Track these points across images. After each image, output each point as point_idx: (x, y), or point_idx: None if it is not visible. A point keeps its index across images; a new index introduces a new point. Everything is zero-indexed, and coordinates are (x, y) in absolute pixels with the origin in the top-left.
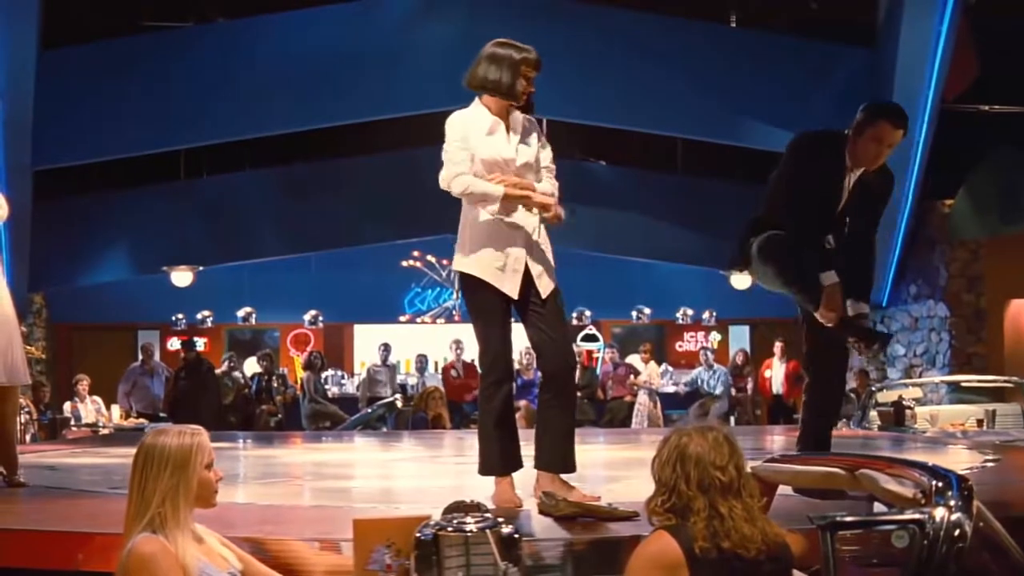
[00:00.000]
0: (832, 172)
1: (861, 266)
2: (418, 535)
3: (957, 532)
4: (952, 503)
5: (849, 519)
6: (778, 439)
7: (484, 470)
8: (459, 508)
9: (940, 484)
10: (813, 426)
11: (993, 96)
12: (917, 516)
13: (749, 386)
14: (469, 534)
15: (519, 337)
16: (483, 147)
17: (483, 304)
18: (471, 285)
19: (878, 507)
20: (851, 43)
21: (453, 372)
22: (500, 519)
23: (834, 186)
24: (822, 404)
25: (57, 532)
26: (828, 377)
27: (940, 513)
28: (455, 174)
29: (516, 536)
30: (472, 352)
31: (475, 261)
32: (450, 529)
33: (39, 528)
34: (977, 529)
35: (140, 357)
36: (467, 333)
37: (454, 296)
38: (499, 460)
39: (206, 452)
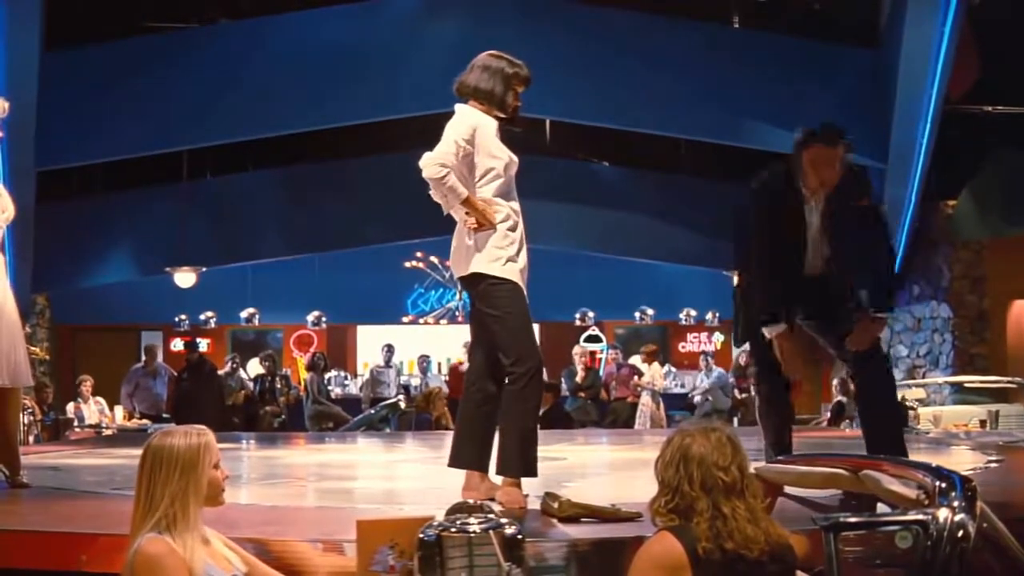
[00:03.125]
0: (785, 207)
1: (871, 271)
2: (421, 536)
3: (961, 533)
4: (956, 504)
5: (853, 520)
6: None
7: (525, 471)
8: (462, 509)
9: (944, 485)
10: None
11: (996, 97)
12: (921, 517)
13: (752, 386)
14: (472, 535)
15: None
16: (497, 148)
17: (522, 307)
18: (507, 289)
19: (882, 508)
20: (854, 44)
21: (463, 370)
22: (504, 520)
23: (792, 219)
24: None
25: (60, 533)
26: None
27: (944, 514)
28: (441, 162)
29: (519, 537)
30: None
31: (508, 267)
32: (453, 530)
33: (42, 529)
34: (980, 530)
35: (143, 358)
36: None
37: (457, 297)
38: (533, 461)
39: (213, 452)
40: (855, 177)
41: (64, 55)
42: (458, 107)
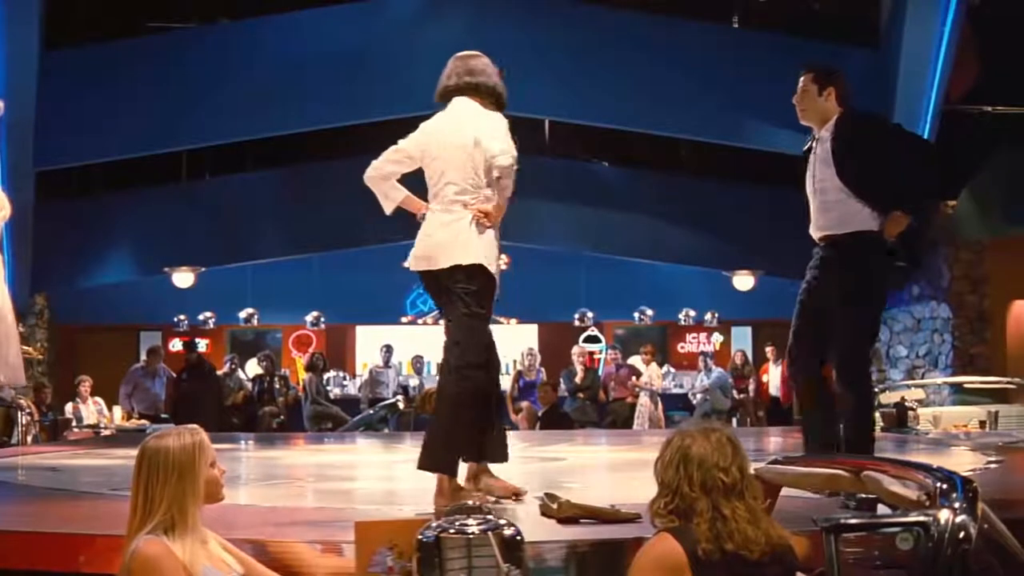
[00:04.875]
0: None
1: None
2: (420, 537)
3: (962, 534)
4: (957, 505)
5: (853, 521)
6: (778, 440)
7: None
8: (461, 510)
9: (945, 486)
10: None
11: (997, 97)
12: (922, 518)
13: (751, 387)
14: (471, 536)
15: (523, 338)
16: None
17: (491, 298)
18: (486, 279)
19: (882, 509)
20: (854, 43)
21: None
22: (503, 521)
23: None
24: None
25: (58, 534)
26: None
27: (945, 515)
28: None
29: (518, 538)
30: None
31: (489, 258)
32: (452, 531)
33: (40, 530)
34: (981, 531)
35: (144, 358)
36: None
37: None
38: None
39: (208, 451)
40: (851, 118)
41: (64, 54)
42: (483, 109)
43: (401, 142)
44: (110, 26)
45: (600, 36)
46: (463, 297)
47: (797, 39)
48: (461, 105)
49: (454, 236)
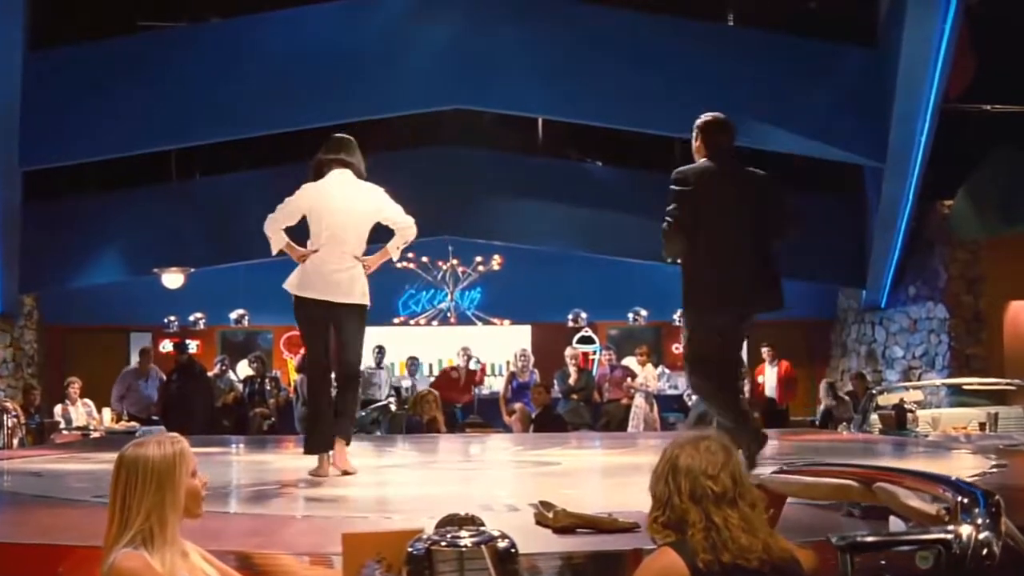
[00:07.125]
0: None
1: None
2: (410, 550)
3: (985, 552)
4: (980, 521)
5: (871, 539)
6: (773, 442)
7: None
8: (453, 521)
9: (966, 500)
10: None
11: (994, 96)
12: (943, 535)
13: (746, 388)
14: (464, 549)
15: (516, 339)
16: None
17: None
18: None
19: (895, 523)
20: (852, 42)
21: (455, 374)
22: (496, 532)
23: None
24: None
25: (36, 545)
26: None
27: (967, 531)
28: None
29: (513, 550)
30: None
31: None
32: (443, 544)
33: (17, 540)
34: (1004, 546)
35: (137, 359)
36: (466, 336)
37: (448, 298)
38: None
39: (189, 460)
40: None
41: (53, 53)
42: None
43: (291, 201)
44: (99, 24)
45: (593, 35)
46: (362, 326)
47: (794, 38)
48: (350, 177)
49: (358, 280)
